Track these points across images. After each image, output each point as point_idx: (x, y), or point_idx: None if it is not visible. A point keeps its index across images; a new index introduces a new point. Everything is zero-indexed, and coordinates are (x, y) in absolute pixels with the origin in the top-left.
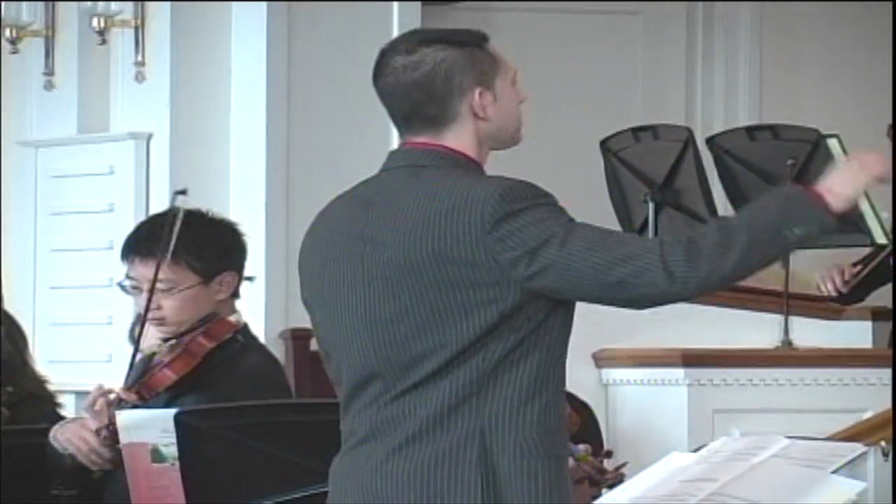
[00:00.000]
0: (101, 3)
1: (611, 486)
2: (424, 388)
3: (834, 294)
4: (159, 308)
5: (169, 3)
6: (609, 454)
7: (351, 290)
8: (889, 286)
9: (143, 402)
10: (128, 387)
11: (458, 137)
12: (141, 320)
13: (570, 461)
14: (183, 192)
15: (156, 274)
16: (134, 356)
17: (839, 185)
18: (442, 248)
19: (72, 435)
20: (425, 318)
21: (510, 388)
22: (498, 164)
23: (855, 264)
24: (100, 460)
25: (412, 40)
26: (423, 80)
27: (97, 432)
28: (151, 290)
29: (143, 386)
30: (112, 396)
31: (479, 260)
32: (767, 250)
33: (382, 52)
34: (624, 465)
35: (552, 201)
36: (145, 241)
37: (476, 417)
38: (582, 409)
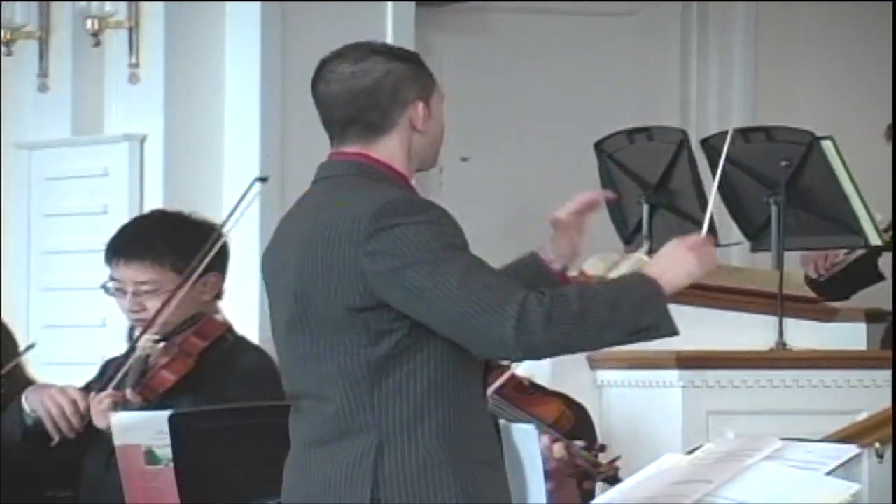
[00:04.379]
0: (94, 5)
1: (606, 480)
2: (322, 404)
3: (813, 276)
4: (144, 309)
5: (163, 4)
6: (603, 448)
7: (278, 307)
8: (877, 286)
9: (147, 403)
10: (132, 388)
11: (390, 148)
12: (142, 326)
13: (565, 454)
14: (264, 180)
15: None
16: (127, 356)
17: (670, 273)
18: (324, 262)
19: (48, 398)
20: (315, 332)
21: (403, 402)
22: (496, 165)
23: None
24: (66, 428)
25: (359, 50)
26: (371, 87)
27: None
28: (135, 293)
29: (145, 388)
30: (118, 397)
31: (354, 273)
32: (613, 337)
33: (324, 61)
34: (618, 458)
35: (435, 220)
36: (130, 244)
37: (373, 431)
38: (577, 409)
